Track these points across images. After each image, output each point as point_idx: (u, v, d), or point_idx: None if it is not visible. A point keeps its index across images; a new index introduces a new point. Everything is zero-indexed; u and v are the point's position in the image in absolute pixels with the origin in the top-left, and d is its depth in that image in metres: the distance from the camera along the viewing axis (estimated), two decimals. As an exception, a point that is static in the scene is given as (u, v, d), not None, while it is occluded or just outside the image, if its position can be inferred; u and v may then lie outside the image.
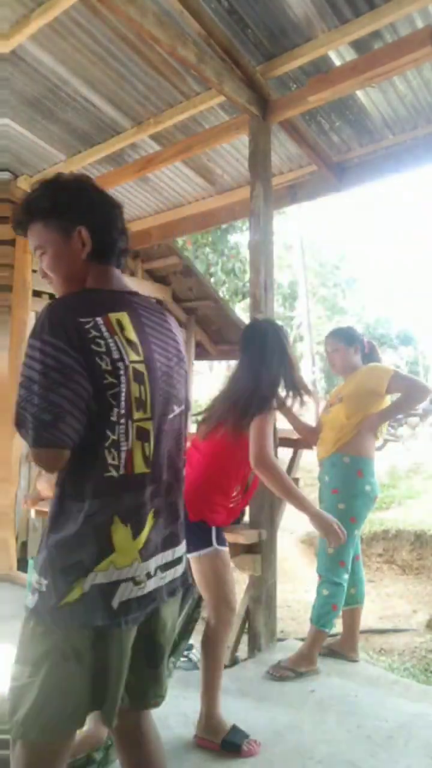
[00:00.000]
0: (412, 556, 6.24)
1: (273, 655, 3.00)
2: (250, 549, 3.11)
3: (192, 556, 2.15)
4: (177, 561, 1.35)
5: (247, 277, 3.65)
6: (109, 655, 1.19)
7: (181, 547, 1.38)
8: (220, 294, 9.72)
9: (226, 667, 2.89)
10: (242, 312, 10.47)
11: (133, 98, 3.90)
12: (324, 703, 2.52)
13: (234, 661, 2.96)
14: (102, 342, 1.16)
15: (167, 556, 1.31)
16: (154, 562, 1.26)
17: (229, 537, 3.13)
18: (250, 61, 3.32)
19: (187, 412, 1.42)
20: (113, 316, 1.21)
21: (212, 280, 10.34)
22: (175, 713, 2.38)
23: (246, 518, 3.40)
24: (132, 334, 1.23)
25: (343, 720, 2.39)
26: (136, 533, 1.21)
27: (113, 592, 1.17)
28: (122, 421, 1.18)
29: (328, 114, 3.72)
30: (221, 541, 2.25)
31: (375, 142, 3.87)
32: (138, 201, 5.34)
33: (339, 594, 2.80)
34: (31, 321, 5.18)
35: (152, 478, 1.25)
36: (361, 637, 3.43)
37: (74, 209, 1.30)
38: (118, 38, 3.41)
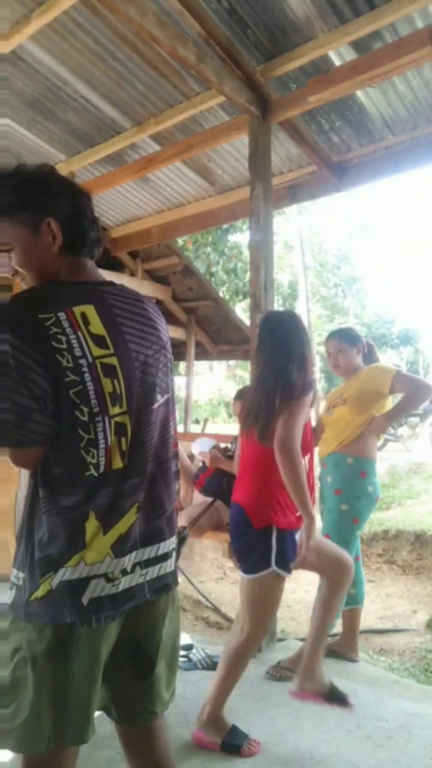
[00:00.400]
0: (412, 556, 6.22)
1: (273, 655, 3.00)
2: (250, 549, 3.11)
3: (247, 578, 2.11)
4: (163, 557, 1.28)
5: (248, 276, 3.64)
6: (79, 656, 1.13)
7: (169, 543, 1.30)
8: (221, 294, 9.71)
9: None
10: (242, 312, 10.47)
11: (133, 98, 3.90)
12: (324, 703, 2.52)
13: (234, 661, 2.96)
14: (63, 338, 1.11)
15: (150, 552, 1.25)
16: (131, 559, 1.20)
17: (228, 537, 3.13)
18: (250, 61, 3.32)
19: (173, 398, 1.38)
20: (77, 310, 1.16)
21: (212, 280, 10.33)
22: (175, 713, 2.38)
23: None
24: (99, 328, 1.18)
25: (343, 720, 2.39)
26: (107, 529, 1.16)
27: (83, 589, 1.13)
28: (98, 418, 1.14)
29: (328, 114, 3.71)
30: (282, 564, 2.08)
31: (375, 142, 3.87)
32: (138, 201, 5.34)
33: None
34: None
35: (131, 472, 1.20)
36: (361, 637, 3.42)
37: (39, 201, 1.23)
38: (118, 38, 3.41)
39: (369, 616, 4.77)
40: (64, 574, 1.12)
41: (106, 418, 1.16)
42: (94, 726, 1.19)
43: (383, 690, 2.70)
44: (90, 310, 1.18)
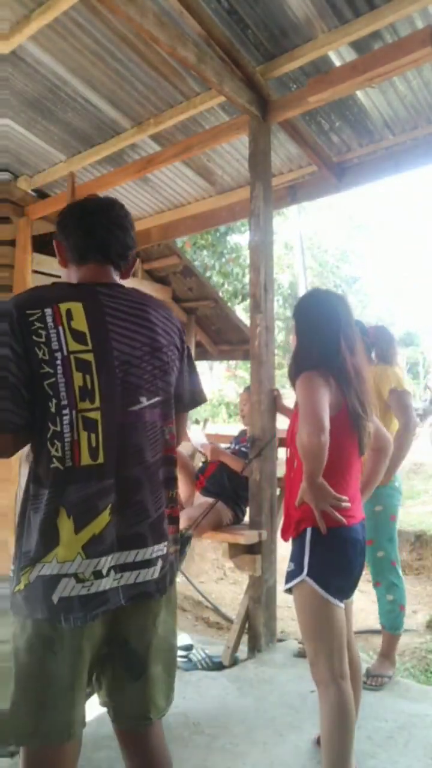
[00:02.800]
0: (412, 557, 6.22)
1: (273, 656, 3.00)
2: (250, 549, 3.11)
3: (288, 587, 1.85)
4: (143, 564, 1.25)
5: (246, 279, 3.64)
6: (61, 652, 1.16)
7: (151, 550, 1.27)
8: (219, 295, 9.73)
9: (225, 667, 2.90)
10: (243, 312, 10.47)
11: (133, 98, 3.91)
12: (324, 704, 2.52)
13: (234, 662, 2.96)
14: (43, 333, 1.18)
15: (127, 557, 1.23)
16: (106, 562, 1.19)
17: (228, 537, 3.14)
18: (250, 61, 3.32)
19: (169, 403, 1.35)
20: (64, 306, 1.22)
21: (210, 282, 10.36)
22: (175, 713, 2.37)
23: (246, 518, 3.40)
24: (82, 324, 1.22)
25: (343, 720, 2.38)
26: (79, 527, 1.17)
27: (53, 587, 1.15)
28: (65, 411, 1.18)
29: (328, 114, 3.72)
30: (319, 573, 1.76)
31: (375, 142, 3.87)
32: (138, 201, 5.34)
33: (401, 593, 2.85)
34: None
35: (105, 472, 1.20)
36: (361, 638, 3.43)
37: (57, 227, 1.42)
38: (118, 38, 3.41)
39: (369, 616, 4.77)
40: (41, 569, 1.15)
41: (74, 412, 1.18)
42: (82, 722, 1.20)
43: (383, 690, 2.70)
44: (77, 307, 1.23)
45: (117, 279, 1.39)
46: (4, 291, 5.06)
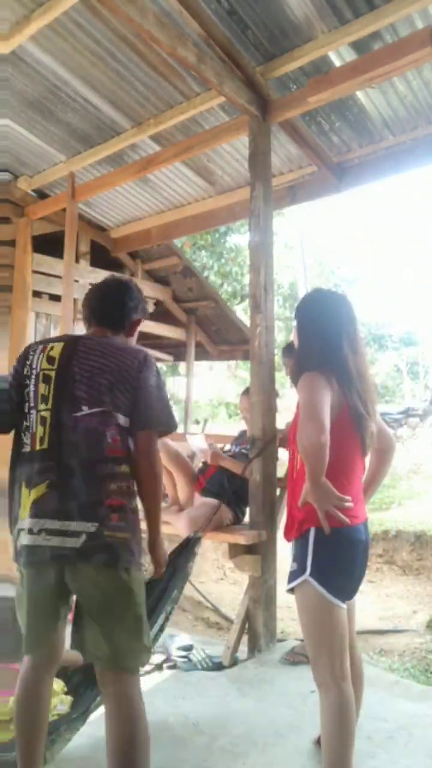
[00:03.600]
0: (412, 557, 6.24)
1: (273, 656, 3.00)
2: (250, 549, 3.11)
3: (290, 587, 1.85)
4: (65, 533, 1.57)
5: (245, 279, 3.64)
6: (23, 589, 1.65)
7: (75, 524, 1.57)
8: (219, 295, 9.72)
9: (225, 667, 2.90)
10: (243, 313, 10.47)
11: (133, 99, 3.91)
12: (324, 704, 2.51)
13: (234, 662, 2.96)
14: (32, 357, 1.77)
15: (54, 523, 1.58)
16: (39, 523, 1.58)
17: (228, 537, 3.14)
18: (250, 61, 3.32)
19: (112, 414, 1.66)
20: (51, 344, 1.79)
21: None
22: (175, 713, 2.38)
23: (246, 519, 3.40)
24: (56, 353, 1.74)
25: (343, 720, 2.38)
26: (29, 493, 1.62)
27: (19, 537, 1.63)
28: (32, 412, 1.69)
29: (328, 114, 3.72)
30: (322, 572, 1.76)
31: (375, 142, 3.88)
32: (138, 201, 5.34)
33: None
34: (31, 321, 5.18)
35: (47, 456, 1.63)
36: (361, 638, 3.43)
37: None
38: (118, 39, 3.41)
39: (369, 616, 4.78)
40: (19, 524, 1.63)
41: (34, 412, 1.69)
42: (35, 644, 1.66)
43: (383, 690, 2.69)
44: (59, 345, 1.77)
45: (110, 335, 1.84)
46: (4, 291, 5.06)
